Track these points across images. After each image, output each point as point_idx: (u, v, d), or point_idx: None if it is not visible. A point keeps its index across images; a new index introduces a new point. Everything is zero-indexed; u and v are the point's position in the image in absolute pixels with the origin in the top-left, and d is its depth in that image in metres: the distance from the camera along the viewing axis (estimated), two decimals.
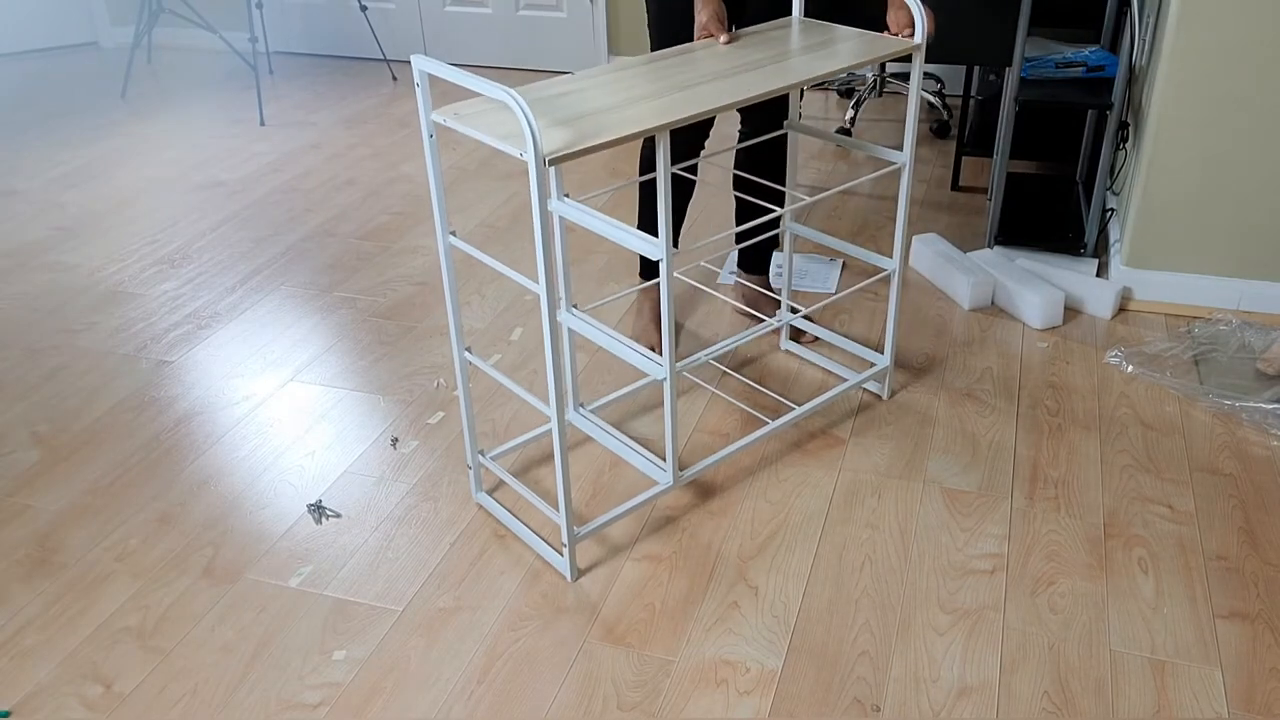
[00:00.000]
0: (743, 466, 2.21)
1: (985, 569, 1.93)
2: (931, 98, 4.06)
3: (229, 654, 1.79)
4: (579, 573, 1.94)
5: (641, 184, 2.52)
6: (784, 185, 2.52)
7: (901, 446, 2.26)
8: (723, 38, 2.06)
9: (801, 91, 4.47)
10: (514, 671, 1.74)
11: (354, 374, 2.57)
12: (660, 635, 1.80)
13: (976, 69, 3.71)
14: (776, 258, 2.99)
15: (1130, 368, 2.50)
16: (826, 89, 4.56)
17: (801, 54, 1.99)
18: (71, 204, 3.58)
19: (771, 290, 2.74)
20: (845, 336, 2.62)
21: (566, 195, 1.90)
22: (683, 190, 2.51)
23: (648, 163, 2.46)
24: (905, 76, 4.21)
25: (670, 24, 2.28)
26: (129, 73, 4.84)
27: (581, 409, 2.30)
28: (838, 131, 3.99)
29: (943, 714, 1.65)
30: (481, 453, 2.12)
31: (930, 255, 2.91)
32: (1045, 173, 3.48)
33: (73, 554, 2.02)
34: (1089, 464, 2.19)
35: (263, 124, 4.31)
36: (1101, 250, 3.00)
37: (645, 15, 2.38)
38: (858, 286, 2.23)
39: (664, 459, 2.13)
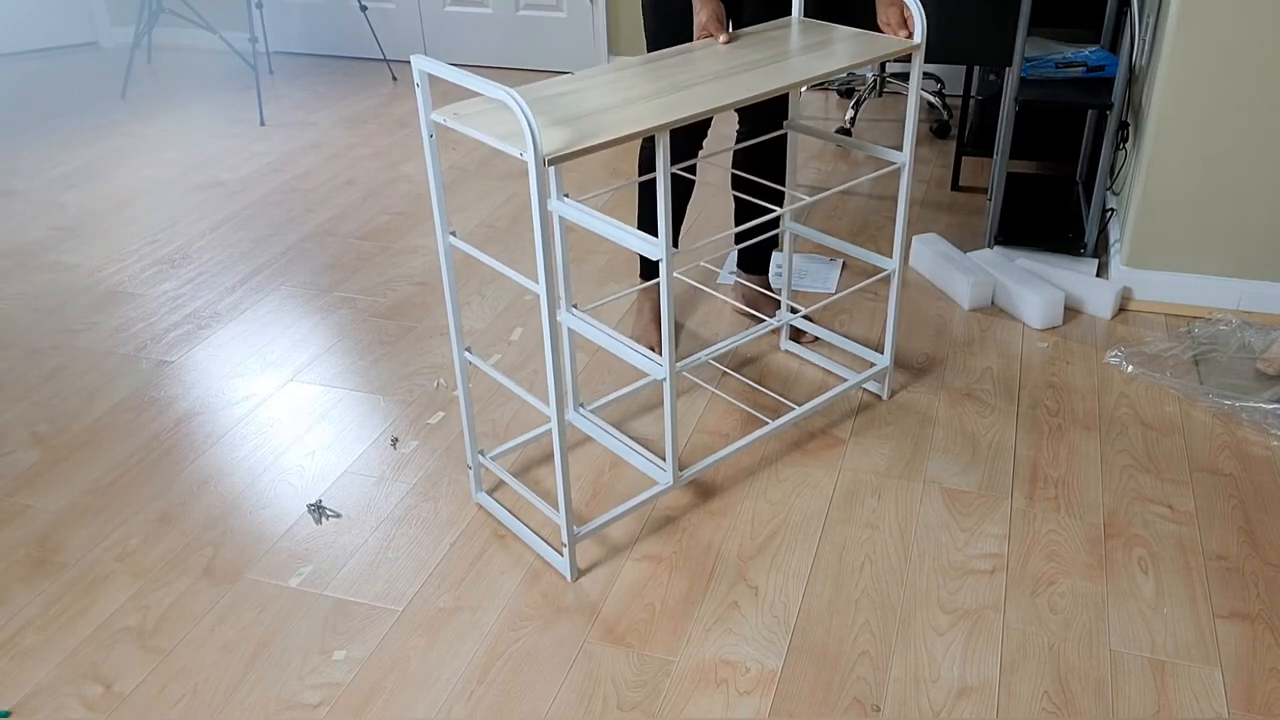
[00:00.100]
0: (743, 466, 2.21)
1: (985, 569, 1.93)
2: (931, 98, 4.06)
3: (229, 654, 1.79)
4: (579, 573, 1.94)
5: (641, 184, 2.52)
6: (783, 185, 2.51)
7: (901, 446, 2.26)
8: (721, 38, 2.06)
9: (800, 91, 4.47)
10: (514, 671, 1.74)
11: (354, 374, 2.57)
12: (660, 635, 1.80)
13: (976, 69, 3.71)
14: (776, 258, 2.99)
15: (1130, 368, 2.50)
16: (826, 89, 4.56)
17: (800, 54, 1.99)
18: (71, 204, 3.58)
19: (771, 290, 2.74)
20: (845, 336, 2.62)
21: (566, 195, 1.90)
22: (682, 190, 2.51)
23: (647, 163, 2.46)
24: (905, 76, 4.21)
25: (668, 24, 2.28)
26: (129, 73, 4.84)
27: (581, 409, 2.30)
28: (838, 131, 3.99)
29: (943, 714, 1.65)
30: (481, 453, 2.12)
31: (930, 255, 2.91)
32: (1045, 173, 3.48)
33: (73, 554, 2.02)
34: (1089, 464, 2.19)
35: (263, 124, 4.31)
36: (1101, 250, 3.00)
37: (643, 16, 2.38)
38: (857, 286, 2.24)
39: (664, 459, 2.13)
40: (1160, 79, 2.53)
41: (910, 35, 2.06)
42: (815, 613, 1.84)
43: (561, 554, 1.92)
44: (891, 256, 2.26)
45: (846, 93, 4.48)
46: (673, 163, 2.37)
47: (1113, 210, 3.07)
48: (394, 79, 4.85)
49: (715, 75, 1.88)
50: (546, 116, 1.70)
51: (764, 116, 2.43)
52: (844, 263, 3.03)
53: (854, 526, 2.04)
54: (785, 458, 2.23)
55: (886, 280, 2.88)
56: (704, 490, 2.14)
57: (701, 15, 2.09)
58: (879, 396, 2.42)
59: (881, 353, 2.42)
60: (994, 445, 2.26)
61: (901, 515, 2.06)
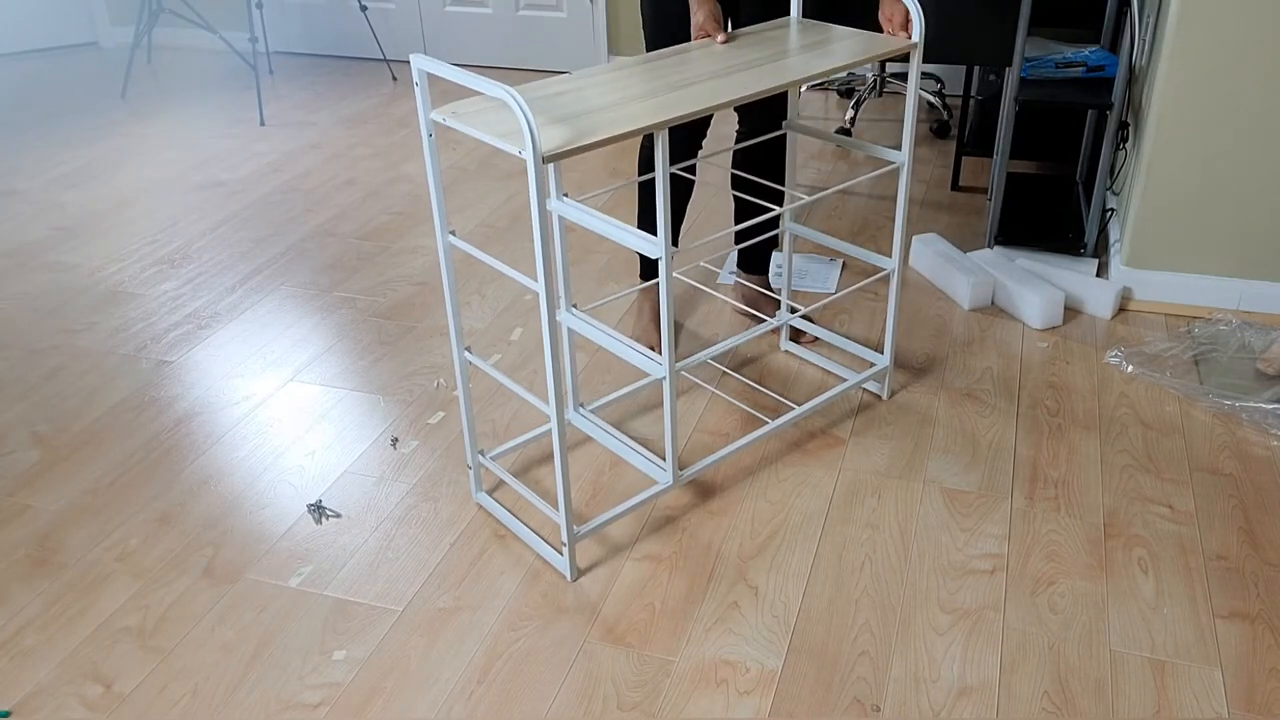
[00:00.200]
0: (743, 466, 2.21)
1: (985, 569, 1.93)
2: (931, 98, 4.06)
3: (229, 654, 1.79)
4: (579, 572, 1.94)
5: (640, 184, 2.52)
6: (783, 185, 2.51)
7: (901, 446, 2.26)
8: (719, 37, 2.06)
9: (799, 91, 4.47)
10: (514, 671, 1.74)
11: (354, 374, 2.57)
12: (660, 635, 1.80)
13: (976, 69, 3.71)
14: (776, 258, 2.99)
15: (1130, 368, 2.50)
16: (826, 89, 4.56)
17: (799, 53, 1.99)
18: (71, 204, 3.58)
19: (771, 290, 2.74)
20: (845, 337, 2.62)
21: (565, 195, 1.90)
22: (681, 190, 2.51)
23: (646, 163, 2.46)
24: (905, 76, 4.21)
25: (666, 25, 2.28)
26: (129, 73, 4.84)
27: (581, 409, 2.30)
28: (838, 131, 3.99)
29: (943, 714, 1.65)
30: (481, 453, 2.12)
31: (930, 255, 2.91)
32: (1045, 173, 3.48)
33: (73, 554, 2.02)
34: (1089, 464, 2.19)
35: (263, 124, 4.31)
36: (1101, 250, 2.99)
37: (641, 18, 2.38)
38: (856, 286, 2.24)
39: (664, 459, 2.13)
40: (1160, 79, 2.53)
41: (909, 35, 2.06)
42: (815, 613, 1.84)
43: (561, 553, 1.92)
44: (891, 256, 2.26)
45: (846, 93, 4.48)
46: (672, 162, 2.37)
47: (1113, 210, 3.07)
48: (394, 79, 4.85)
49: (713, 74, 1.88)
50: (545, 115, 1.70)
51: (763, 116, 2.43)
52: (844, 263, 3.03)
53: (854, 526, 2.04)
54: (785, 458, 2.23)
55: (886, 280, 2.88)
56: (704, 490, 2.14)
57: (699, 15, 2.09)
58: (879, 396, 2.42)
59: (881, 353, 2.42)
60: (994, 445, 2.26)
61: (901, 515, 2.06)
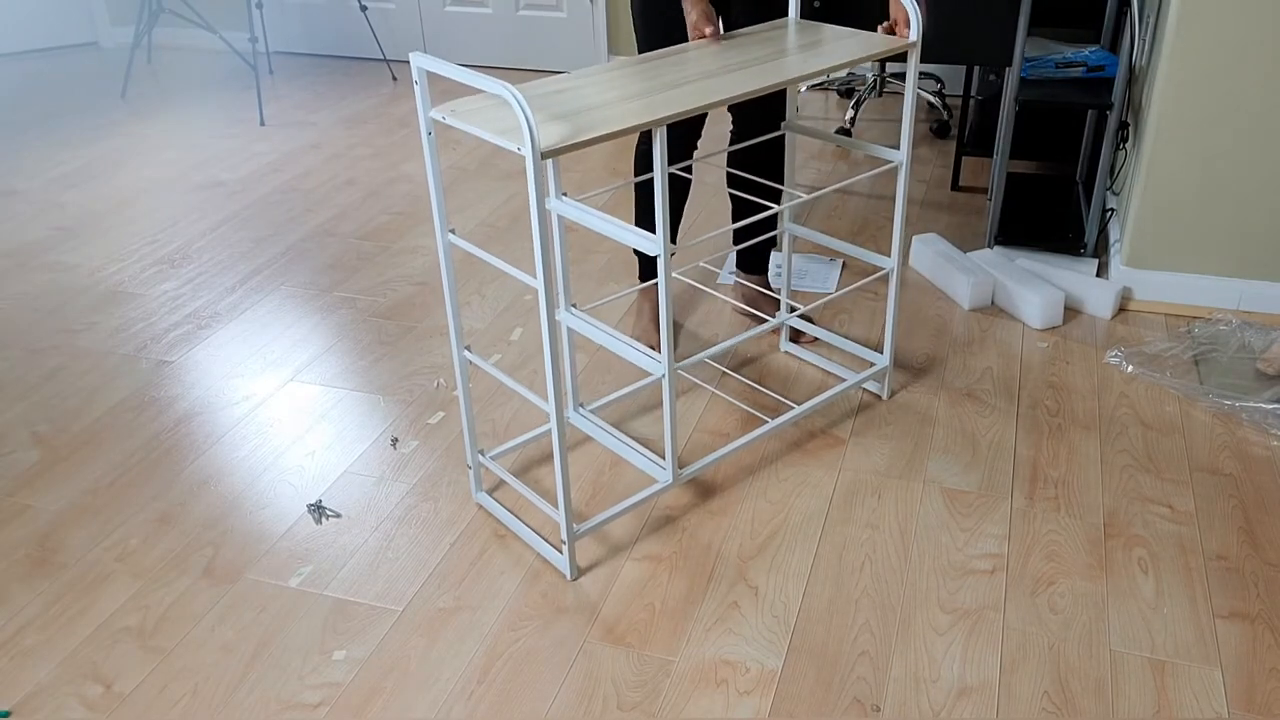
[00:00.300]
0: (743, 466, 2.21)
1: (985, 569, 1.93)
2: (931, 98, 4.06)
3: (229, 654, 1.79)
4: (579, 571, 1.94)
5: (637, 186, 2.52)
6: (780, 185, 2.51)
7: (901, 446, 2.26)
8: (707, 29, 2.06)
9: (799, 91, 4.47)
10: (514, 671, 1.74)
11: (354, 374, 2.57)
12: (660, 635, 1.80)
13: (976, 69, 3.71)
14: (776, 258, 2.99)
15: (1130, 368, 2.50)
16: (826, 89, 4.55)
17: (797, 53, 1.99)
18: (71, 204, 3.58)
19: (771, 290, 2.74)
20: (845, 337, 2.62)
21: (564, 194, 1.90)
22: (678, 190, 2.51)
23: (641, 161, 2.46)
24: (905, 76, 4.21)
25: (658, 24, 2.29)
26: (129, 73, 4.84)
27: (581, 409, 2.30)
28: (837, 131, 3.99)
29: (943, 714, 1.65)
30: (481, 452, 2.12)
31: (930, 255, 2.91)
32: (1045, 173, 3.48)
33: (73, 554, 2.02)
34: (1089, 464, 2.19)
35: (263, 124, 4.31)
36: (1101, 250, 2.99)
37: (632, 20, 2.38)
38: (856, 286, 2.24)
39: (664, 458, 2.13)
40: (1160, 79, 2.53)
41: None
42: (815, 613, 1.84)
43: (561, 552, 1.92)
44: (891, 256, 2.26)
45: (846, 93, 4.48)
46: (669, 162, 2.37)
47: (1113, 210, 3.07)
48: (394, 79, 4.85)
49: (710, 73, 1.88)
50: (543, 113, 1.70)
51: (757, 117, 2.43)
52: (844, 263, 3.03)
53: (854, 526, 2.04)
54: (785, 457, 2.23)
55: (886, 280, 2.88)
56: (704, 490, 2.14)
57: (693, 14, 2.09)
58: (879, 396, 2.42)
59: (881, 353, 2.42)
60: (994, 445, 2.25)
61: (901, 515, 2.06)
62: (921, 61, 3.07)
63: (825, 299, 2.20)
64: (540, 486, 2.16)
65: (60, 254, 3.23)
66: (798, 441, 2.28)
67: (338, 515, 2.11)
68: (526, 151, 1.53)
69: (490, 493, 2.14)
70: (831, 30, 2.13)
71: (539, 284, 1.64)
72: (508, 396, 2.46)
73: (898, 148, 2.16)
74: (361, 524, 2.08)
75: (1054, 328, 2.68)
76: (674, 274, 2.24)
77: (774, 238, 2.96)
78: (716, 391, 2.46)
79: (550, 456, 2.25)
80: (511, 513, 2.07)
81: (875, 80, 4.23)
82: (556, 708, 1.67)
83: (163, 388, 2.54)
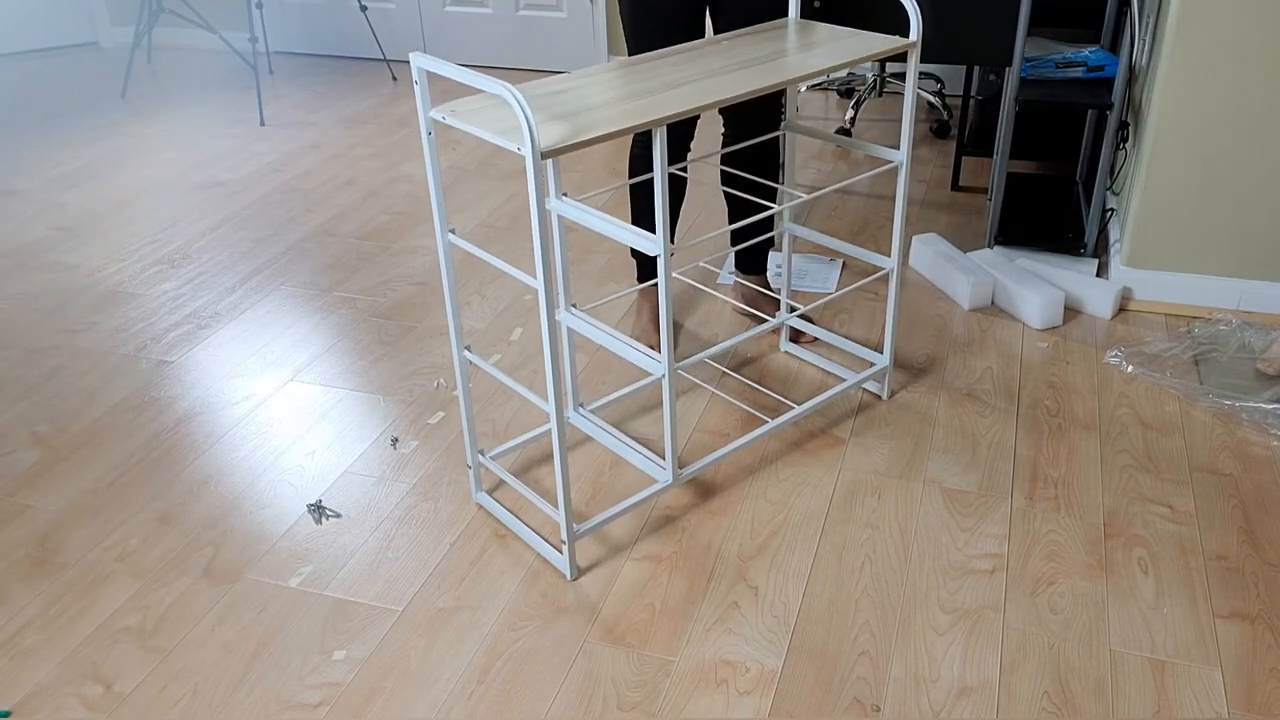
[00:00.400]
0: (743, 466, 2.21)
1: (985, 569, 1.93)
2: (931, 98, 4.06)
3: (229, 654, 1.79)
4: (579, 571, 1.94)
5: (632, 188, 2.52)
6: (775, 184, 2.51)
7: (901, 446, 2.26)
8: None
9: (799, 91, 4.47)
10: (514, 671, 1.74)
11: (354, 374, 2.57)
12: (660, 635, 1.80)
13: (976, 69, 3.71)
14: (775, 258, 2.99)
15: (1130, 368, 2.50)
16: (826, 89, 4.56)
17: (796, 53, 1.99)
18: (71, 204, 3.58)
19: (771, 290, 2.74)
20: (845, 337, 2.62)
21: (564, 194, 1.90)
22: (675, 191, 2.51)
23: (636, 162, 2.46)
24: (905, 76, 4.21)
25: (647, 23, 2.28)
26: (129, 73, 4.84)
27: (581, 409, 2.30)
28: (837, 132, 3.99)
29: (943, 714, 1.65)
30: (481, 452, 2.12)
31: (930, 255, 2.91)
32: (1045, 173, 3.48)
33: (73, 554, 2.02)
34: (1089, 464, 2.19)
35: (263, 124, 4.31)
36: (1101, 250, 2.99)
37: (621, 22, 2.38)
38: (856, 286, 2.24)
39: (664, 458, 2.13)
40: (1160, 79, 2.53)
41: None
42: (815, 613, 1.84)
43: (561, 552, 1.92)
44: (891, 256, 2.26)
45: (847, 93, 4.48)
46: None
47: (1113, 210, 3.07)
48: (394, 79, 4.85)
49: (710, 73, 1.89)
50: (543, 113, 1.71)
51: (751, 119, 2.43)
52: (844, 263, 3.03)
53: (854, 526, 2.04)
54: (785, 457, 2.23)
55: (886, 280, 2.88)
56: (704, 490, 2.14)
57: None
58: (879, 396, 2.42)
59: (881, 353, 2.42)
60: (994, 445, 2.26)
61: (901, 515, 2.06)
62: (921, 61, 3.07)
63: (825, 299, 2.20)
64: (540, 486, 2.17)
65: (60, 254, 3.23)
66: (798, 441, 2.28)
67: (338, 515, 2.11)
68: (526, 151, 1.53)
69: (490, 493, 2.15)
70: (831, 30, 2.13)
71: (539, 284, 1.64)
72: (508, 396, 2.46)
73: (898, 148, 2.16)
74: (361, 524, 2.08)
75: (1054, 328, 2.68)
76: (674, 274, 2.24)
77: (772, 238, 2.96)
78: (716, 391, 2.46)
79: (550, 456, 2.25)
80: (511, 513, 2.07)
81: (875, 80, 4.22)
82: (556, 708, 1.67)
83: (163, 388, 2.54)
